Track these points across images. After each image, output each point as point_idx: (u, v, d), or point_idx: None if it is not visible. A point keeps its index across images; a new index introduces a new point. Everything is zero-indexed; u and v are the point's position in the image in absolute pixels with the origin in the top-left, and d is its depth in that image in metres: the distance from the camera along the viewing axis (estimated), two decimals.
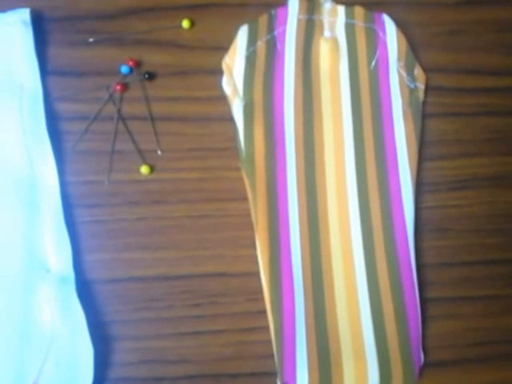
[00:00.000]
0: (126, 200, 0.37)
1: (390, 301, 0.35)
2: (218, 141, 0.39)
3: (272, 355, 0.35)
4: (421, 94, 0.40)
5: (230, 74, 0.39)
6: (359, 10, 0.41)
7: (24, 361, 0.33)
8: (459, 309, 0.37)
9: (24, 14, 0.39)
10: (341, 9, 0.41)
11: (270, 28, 0.41)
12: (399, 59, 0.40)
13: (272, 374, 0.35)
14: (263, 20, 0.41)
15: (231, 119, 0.39)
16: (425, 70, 0.41)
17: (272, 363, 0.35)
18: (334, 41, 0.40)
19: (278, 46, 0.40)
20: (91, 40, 0.40)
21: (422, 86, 0.40)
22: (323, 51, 0.40)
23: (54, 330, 0.34)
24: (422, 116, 0.40)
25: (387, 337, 0.35)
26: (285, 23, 0.41)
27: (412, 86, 0.40)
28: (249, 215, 0.37)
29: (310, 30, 0.41)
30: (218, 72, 0.40)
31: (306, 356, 0.34)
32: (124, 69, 0.39)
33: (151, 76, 0.39)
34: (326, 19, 0.41)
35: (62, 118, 0.39)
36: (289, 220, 0.36)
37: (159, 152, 0.39)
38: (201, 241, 0.37)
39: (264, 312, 0.35)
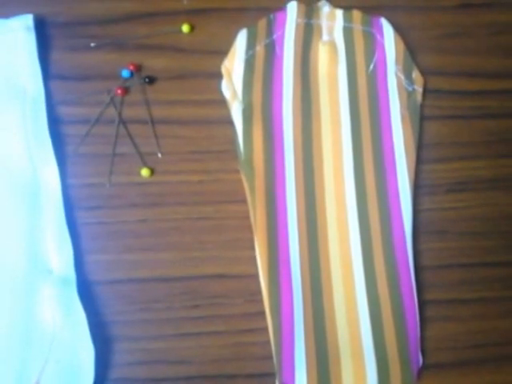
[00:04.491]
0: (127, 202, 0.38)
1: (388, 303, 0.35)
2: (218, 143, 0.39)
3: (271, 356, 0.35)
4: (419, 97, 0.40)
5: (230, 77, 0.40)
6: (357, 14, 0.41)
7: (26, 361, 0.33)
8: (457, 311, 0.37)
9: (27, 20, 0.40)
10: (339, 13, 0.41)
11: (269, 32, 0.41)
12: (397, 62, 0.41)
13: (271, 375, 0.35)
14: (262, 24, 0.41)
15: (230, 122, 0.39)
16: (423, 73, 0.41)
17: (271, 364, 0.35)
18: (332, 44, 0.41)
19: (277, 49, 0.41)
20: (92, 45, 0.40)
21: (419, 89, 0.40)
22: (321, 55, 0.40)
23: (56, 331, 0.34)
24: (420, 119, 0.40)
25: (385, 338, 0.35)
26: (283, 27, 0.41)
27: (410, 88, 0.40)
28: (248, 217, 0.37)
29: (308, 33, 0.41)
30: (218, 76, 0.40)
31: (304, 357, 0.34)
32: (125, 73, 0.40)
33: (151, 80, 0.40)
34: (324, 23, 0.41)
35: (64, 122, 0.39)
36: (287, 222, 0.37)
37: (159, 155, 0.39)
38: (200, 242, 0.37)
39: (263, 313, 0.35)
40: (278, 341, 0.34)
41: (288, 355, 0.34)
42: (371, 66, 0.41)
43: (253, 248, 0.37)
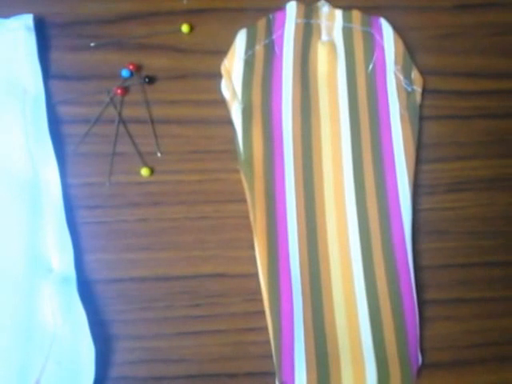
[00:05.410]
0: (127, 201, 0.38)
1: (387, 302, 0.35)
2: (217, 143, 0.39)
3: (271, 355, 0.35)
4: (418, 97, 0.40)
5: (229, 77, 0.40)
6: (356, 14, 0.41)
7: (26, 359, 0.33)
8: (457, 311, 0.37)
9: (27, 20, 0.40)
10: (338, 13, 0.42)
11: (269, 32, 0.41)
12: (396, 62, 0.41)
13: (270, 374, 0.35)
14: (261, 24, 0.41)
15: (230, 122, 0.39)
16: (422, 73, 0.41)
17: (270, 363, 0.35)
18: (332, 44, 0.41)
19: (276, 49, 0.41)
20: (92, 44, 0.41)
21: (419, 89, 0.41)
22: (321, 55, 0.40)
23: (56, 329, 0.34)
24: (419, 119, 0.40)
25: (385, 338, 0.35)
26: (283, 27, 0.41)
27: (409, 89, 0.40)
28: (247, 217, 0.37)
29: (307, 33, 0.41)
30: (217, 76, 0.40)
31: (304, 356, 0.34)
32: (124, 73, 0.40)
33: (151, 80, 0.40)
34: (323, 23, 0.42)
35: (64, 121, 0.39)
36: (287, 221, 0.37)
37: (159, 154, 0.39)
38: (200, 242, 0.37)
39: (262, 312, 0.36)
40: (278, 340, 0.34)
41: (288, 354, 0.34)
42: (370, 66, 0.41)
43: (252, 247, 0.37)
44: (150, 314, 0.36)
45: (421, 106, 0.41)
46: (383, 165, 0.38)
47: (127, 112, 0.40)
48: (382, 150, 0.39)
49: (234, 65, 0.40)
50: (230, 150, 0.39)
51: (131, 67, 0.40)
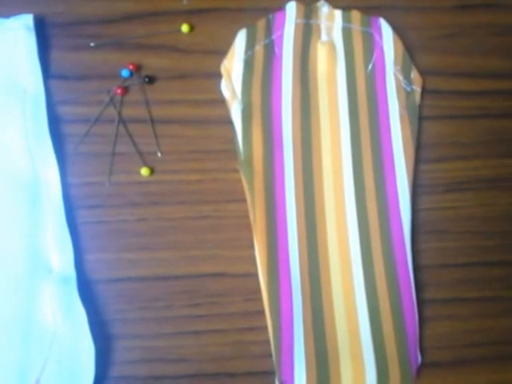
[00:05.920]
0: (127, 201, 0.38)
1: (387, 302, 0.35)
2: (217, 143, 0.39)
3: (270, 355, 0.35)
4: (417, 97, 0.40)
5: (229, 77, 0.40)
6: (356, 15, 0.42)
7: (26, 359, 0.33)
8: (456, 310, 0.37)
9: (27, 20, 0.40)
10: (338, 13, 0.42)
11: (268, 32, 0.41)
12: (396, 63, 0.41)
13: (270, 374, 0.35)
14: (261, 24, 0.41)
15: (230, 122, 0.39)
16: (421, 73, 0.41)
17: (270, 363, 0.35)
18: (331, 45, 0.41)
19: (276, 49, 0.41)
20: (92, 44, 0.41)
21: (418, 89, 0.41)
22: (320, 55, 0.41)
23: (56, 329, 0.34)
24: (419, 119, 0.40)
25: (384, 337, 0.35)
26: (282, 27, 0.41)
27: (409, 89, 0.40)
28: (247, 216, 0.37)
29: (307, 34, 0.41)
30: (217, 75, 0.40)
31: (303, 355, 0.34)
32: (124, 72, 0.40)
33: (151, 79, 0.40)
34: (323, 23, 0.42)
35: (64, 121, 0.39)
36: (287, 221, 0.37)
37: (159, 154, 0.39)
38: (200, 241, 0.37)
39: (262, 312, 0.36)
40: (278, 339, 0.34)
41: (287, 354, 0.34)
42: (370, 66, 0.41)
43: (252, 247, 0.37)
44: (150, 313, 0.36)
45: (421, 106, 0.41)
46: (383, 164, 0.38)
47: (127, 112, 0.40)
48: (382, 149, 0.39)
49: (233, 65, 0.40)
50: (230, 150, 0.39)
51: (131, 67, 0.40)
